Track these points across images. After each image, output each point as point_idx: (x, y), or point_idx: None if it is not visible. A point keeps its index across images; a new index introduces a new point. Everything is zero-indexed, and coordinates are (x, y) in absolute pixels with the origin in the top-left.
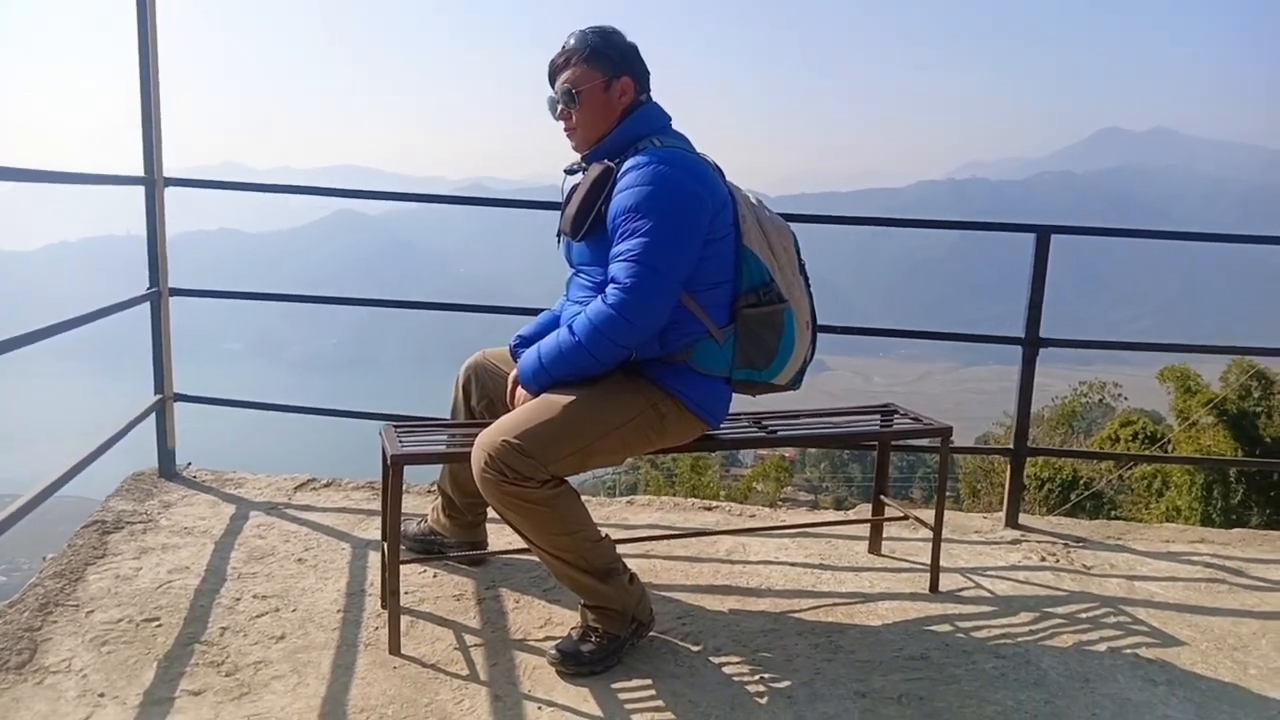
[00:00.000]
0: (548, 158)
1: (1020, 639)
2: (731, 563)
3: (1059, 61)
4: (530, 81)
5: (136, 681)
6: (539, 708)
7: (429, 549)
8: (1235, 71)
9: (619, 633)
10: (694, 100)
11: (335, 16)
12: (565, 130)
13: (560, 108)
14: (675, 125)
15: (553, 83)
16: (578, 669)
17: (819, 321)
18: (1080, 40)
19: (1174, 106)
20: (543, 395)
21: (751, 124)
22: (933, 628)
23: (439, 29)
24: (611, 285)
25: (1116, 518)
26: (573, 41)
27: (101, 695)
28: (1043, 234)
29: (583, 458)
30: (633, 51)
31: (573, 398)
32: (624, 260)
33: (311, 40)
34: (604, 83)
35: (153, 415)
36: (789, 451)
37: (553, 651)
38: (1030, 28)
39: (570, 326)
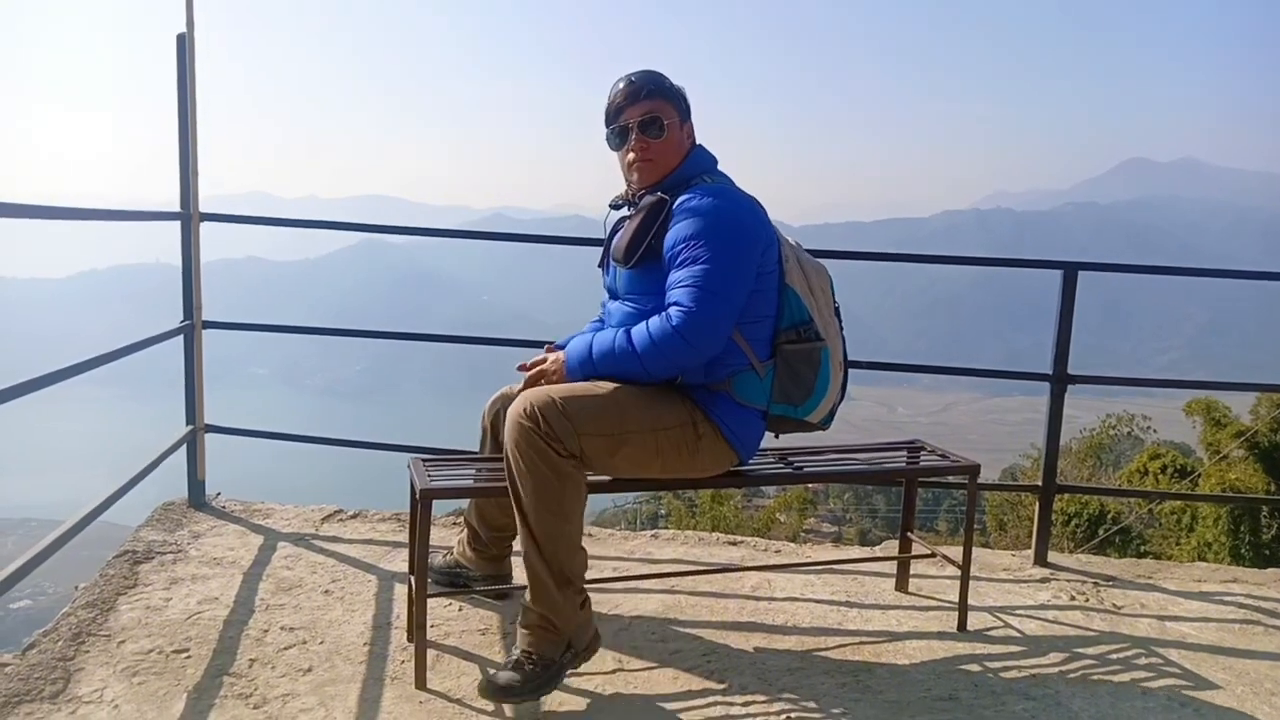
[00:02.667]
0: (571, 188)
1: (1050, 680)
2: (757, 599)
3: (1086, 93)
4: (555, 113)
5: (167, 713)
6: None
7: (454, 582)
8: (1262, 99)
9: (553, 656)
10: (718, 132)
11: (363, 47)
12: (637, 162)
13: (635, 138)
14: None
15: (617, 118)
16: (506, 698)
17: (849, 361)
18: (1107, 72)
19: (1201, 137)
20: (590, 381)
21: (775, 155)
22: (962, 667)
23: (465, 59)
24: (675, 308)
25: (1145, 553)
26: (642, 77)
27: None
28: (1069, 271)
29: (615, 443)
30: (687, 97)
31: (620, 386)
32: (687, 285)
33: (338, 72)
34: (679, 121)
35: (184, 445)
36: (813, 483)
37: (482, 680)
38: (1057, 60)
39: (629, 334)
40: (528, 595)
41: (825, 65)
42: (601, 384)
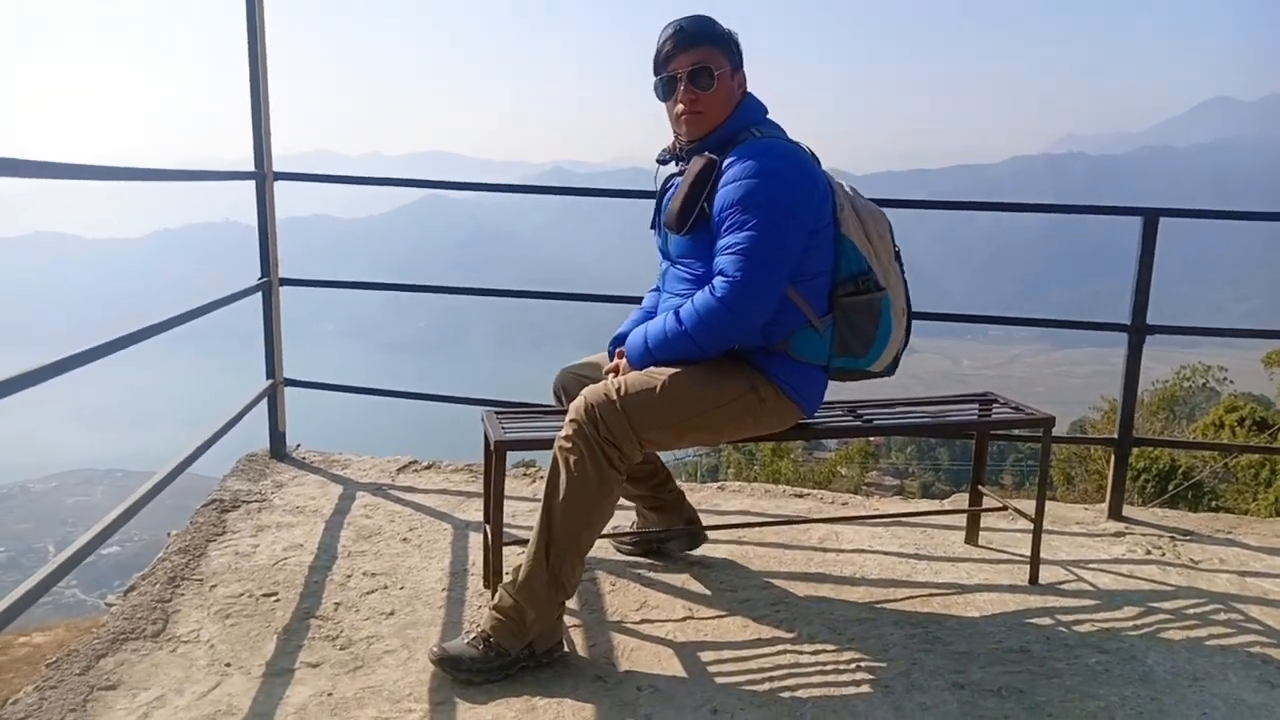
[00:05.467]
0: (629, 141)
1: (1124, 634)
2: (824, 550)
3: (1166, 30)
4: (612, 65)
5: (259, 653)
6: (639, 689)
7: (650, 549)
8: None
9: (509, 649)
10: (774, 74)
11: (424, 6)
12: (686, 115)
13: (684, 89)
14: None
15: (667, 64)
16: (454, 673)
17: (912, 308)
18: (1191, 6)
19: None
20: (647, 369)
21: (838, 101)
22: (1033, 620)
23: (523, 11)
24: (719, 278)
25: (1219, 510)
26: (691, 24)
27: (228, 665)
28: (1150, 217)
29: (677, 432)
30: (740, 44)
31: (677, 372)
32: (732, 254)
33: (398, 28)
34: (730, 70)
35: (264, 399)
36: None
37: (435, 648)
38: None
39: (678, 314)
40: (514, 581)
41: (889, 7)
42: (658, 372)
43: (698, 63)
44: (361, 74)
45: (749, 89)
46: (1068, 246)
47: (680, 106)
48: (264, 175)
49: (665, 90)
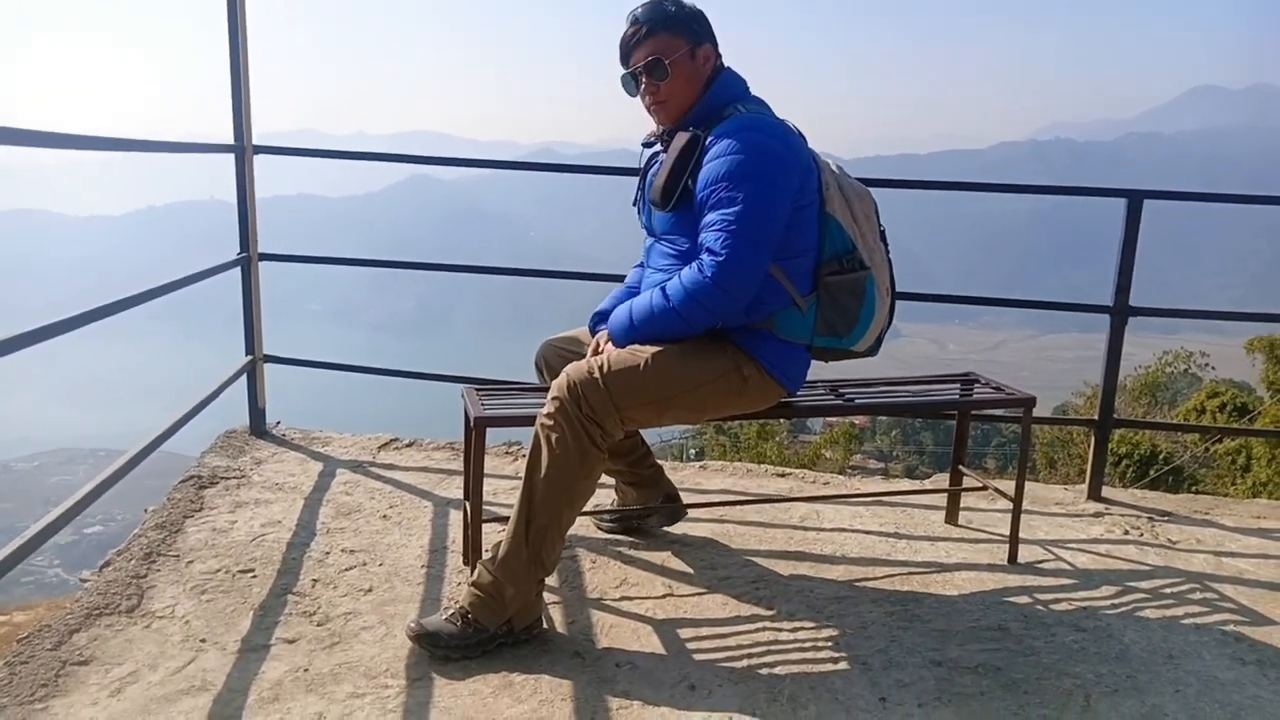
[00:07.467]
0: (618, 122)
1: (1101, 613)
2: (805, 529)
3: (1153, 17)
4: (601, 46)
5: (234, 629)
6: (617, 665)
7: (629, 527)
8: None
9: (488, 625)
10: (760, 60)
11: None
12: (651, 105)
13: (644, 82)
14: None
15: (627, 60)
16: (432, 649)
17: (897, 289)
18: None
19: (1277, 61)
20: (630, 347)
21: (821, 83)
22: (1011, 599)
23: None
24: (706, 253)
25: (1200, 494)
26: (644, 13)
27: (203, 641)
28: (1134, 199)
29: (659, 409)
30: (704, 16)
31: (660, 350)
32: (718, 229)
33: (383, 7)
34: (689, 50)
35: (244, 375)
36: (859, 418)
37: (413, 624)
38: None
39: (664, 290)
40: (494, 558)
41: None
42: (641, 349)
43: (651, 55)
44: (346, 53)
45: (729, 65)
46: (1055, 234)
47: (647, 99)
48: (243, 148)
49: (632, 85)
